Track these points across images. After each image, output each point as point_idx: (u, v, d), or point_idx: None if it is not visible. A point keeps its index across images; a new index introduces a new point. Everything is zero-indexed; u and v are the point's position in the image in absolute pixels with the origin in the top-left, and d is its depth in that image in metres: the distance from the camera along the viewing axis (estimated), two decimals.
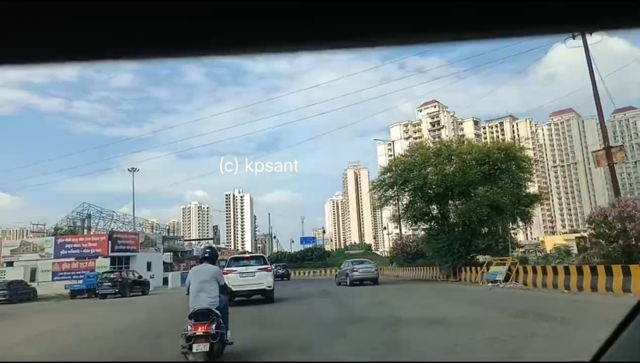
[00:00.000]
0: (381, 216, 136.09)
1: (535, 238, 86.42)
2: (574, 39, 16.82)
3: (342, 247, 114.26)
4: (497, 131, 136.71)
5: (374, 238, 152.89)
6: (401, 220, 27.43)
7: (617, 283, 12.21)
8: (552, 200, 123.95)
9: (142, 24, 0.53)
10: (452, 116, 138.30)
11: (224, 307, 5.83)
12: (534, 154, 77.20)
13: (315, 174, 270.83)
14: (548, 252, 25.23)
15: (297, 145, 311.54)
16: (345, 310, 12.23)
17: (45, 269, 34.13)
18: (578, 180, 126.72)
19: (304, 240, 72.53)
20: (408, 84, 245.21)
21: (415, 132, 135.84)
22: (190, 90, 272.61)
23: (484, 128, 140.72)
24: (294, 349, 6.82)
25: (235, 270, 13.70)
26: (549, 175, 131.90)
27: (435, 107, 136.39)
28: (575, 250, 20.21)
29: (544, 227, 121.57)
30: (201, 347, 5.08)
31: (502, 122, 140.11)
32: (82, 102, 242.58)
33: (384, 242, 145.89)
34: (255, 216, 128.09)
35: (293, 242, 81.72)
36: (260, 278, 13.57)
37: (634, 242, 14.28)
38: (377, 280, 23.29)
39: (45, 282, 32.94)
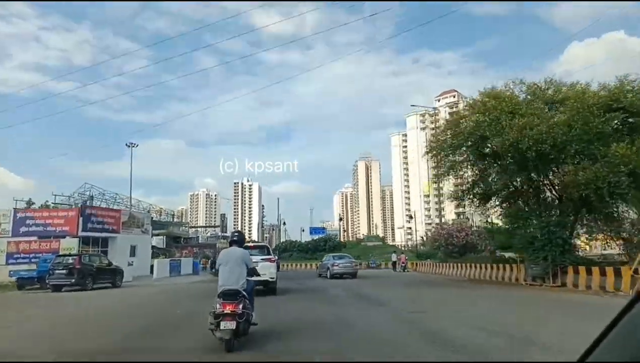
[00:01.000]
0: (402, 204, 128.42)
1: None
2: None
3: (352, 239, 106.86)
4: None
5: (394, 229, 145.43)
6: (465, 197, 19.91)
7: None
8: None
9: None
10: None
11: (251, 289, 6.19)
12: None
13: (323, 167, 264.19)
14: None
15: (307, 137, 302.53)
16: None
17: None
18: None
19: (313, 230, 71.40)
20: (424, 78, 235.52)
21: (432, 123, 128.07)
22: (204, 76, 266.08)
23: None
24: None
25: None
26: None
27: (454, 96, 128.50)
28: None
29: None
30: (228, 325, 5.38)
31: None
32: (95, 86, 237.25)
33: (394, 236, 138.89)
34: (263, 205, 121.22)
35: (304, 231, 77.67)
36: (263, 269, 12.54)
37: None
38: (355, 274, 24.94)
39: None
